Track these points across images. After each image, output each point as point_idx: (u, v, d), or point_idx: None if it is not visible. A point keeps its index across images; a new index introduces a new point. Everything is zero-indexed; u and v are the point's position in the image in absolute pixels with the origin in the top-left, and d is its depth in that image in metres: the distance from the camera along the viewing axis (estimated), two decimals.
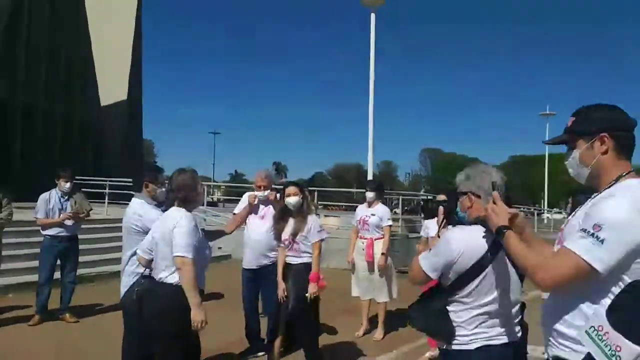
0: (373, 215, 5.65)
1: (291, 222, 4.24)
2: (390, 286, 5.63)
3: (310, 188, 12.93)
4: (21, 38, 20.43)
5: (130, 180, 12.84)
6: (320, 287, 4.12)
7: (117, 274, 8.37)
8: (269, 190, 4.77)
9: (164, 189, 3.78)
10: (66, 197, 6.12)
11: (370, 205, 5.76)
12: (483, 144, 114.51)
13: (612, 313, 1.33)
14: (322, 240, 4.26)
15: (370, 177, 10.94)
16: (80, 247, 8.98)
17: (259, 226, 4.80)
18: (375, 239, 5.58)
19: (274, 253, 4.61)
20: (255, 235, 4.80)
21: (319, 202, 14.35)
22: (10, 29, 19.73)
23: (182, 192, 3.26)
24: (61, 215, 5.95)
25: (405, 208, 20.60)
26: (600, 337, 1.25)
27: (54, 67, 22.18)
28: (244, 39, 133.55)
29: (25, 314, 6.15)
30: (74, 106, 23.36)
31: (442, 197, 5.31)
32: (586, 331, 1.34)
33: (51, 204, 5.99)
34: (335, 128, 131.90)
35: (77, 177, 14.04)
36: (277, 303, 4.27)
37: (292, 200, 4.22)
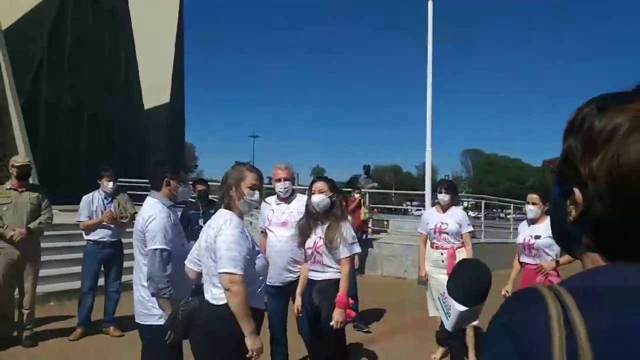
0: (450, 222, 4.81)
1: (317, 228, 3.47)
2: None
3: (366, 189, 12.23)
4: (66, 41, 20.56)
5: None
6: (348, 316, 3.32)
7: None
8: (288, 183, 4.00)
9: (186, 188, 3.34)
10: (109, 199, 5.63)
11: (444, 209, 4.91)
12: (527, 145, 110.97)
13: (448, 282, 1.52)
14: (353, 255, 3.46)
15: (428, 179, 10.04)
16: (125, 251, 8.64)
17: (281, 234, 3.93)
18: (457, 249, 4.73)
19: (299, 268, 3.84)
20: (276, 245, 3.93)
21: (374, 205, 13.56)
22: (54, 32, 19.86)
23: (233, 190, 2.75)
24: (102, 215, 5.43)
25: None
26: (443, 302, 1.49)
27: (98, 69, 22.28)
28: (286, 36, 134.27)
29: (67, 326, 5.68)
30: (118, 108, 23.43)
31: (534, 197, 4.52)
32: (438, 298, 1.60)
33: (94, 205, 5.51)
34: (368, 130, 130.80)
35: (120, 179, 13.99)
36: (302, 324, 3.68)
37: (316, 199, 3.43)
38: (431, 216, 4.98)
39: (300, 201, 3.96)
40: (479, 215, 13.23)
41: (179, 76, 31.40)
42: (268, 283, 3.94)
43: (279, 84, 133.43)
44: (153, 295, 2.97)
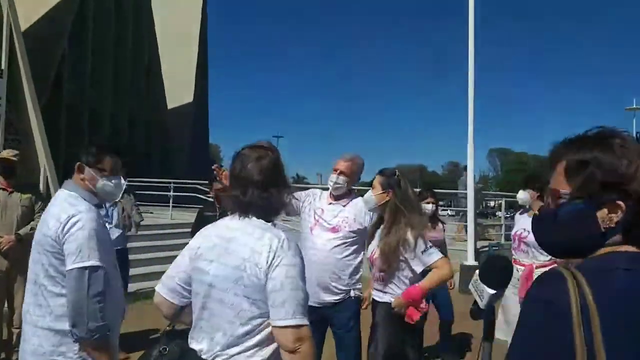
0: None
1: (376, 236, 2.74)
2: None
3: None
4: (87, 41, 20.24)
5: (196, 182, 11.81)
6: (409, 316, 2.56)
7: None
8: (343, 179, 3.09)
9: (111, 183, 2.30)
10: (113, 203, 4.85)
11: (532, 212, 3.95)
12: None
13: (480, 272, 1.86)
14: (444, 258, 2.68)
15: (470, 180, 9.07)
16: (138, 256, 8.00)
17: (324, 241, 3.05)
18: (538, 267, 3.77)
19: (344, 285, 2.99)
20: (317, 253, 3.04)
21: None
22: (76, 32, 19.55)
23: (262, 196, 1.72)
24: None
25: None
26: (476, 286, 1.87)
27: (120, 69, 21.95)
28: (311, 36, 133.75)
29: None
30: (141, 108, 23.07)
31: None
32: (472, 283, 1.92)
33: None
34: (392, 129, 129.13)
35: (142, 180, 13.42)
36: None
37: (370, 198, 2.73)
38: (519, 220, 4.12)
39: (358, 207, 3.13)
40: (505, 215, 12.17)
41: (203, 75, 30.97)
42: None
43: (304, 83, 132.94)
44: (78, 340, 2.02)
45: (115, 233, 4.57)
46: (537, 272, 3.77)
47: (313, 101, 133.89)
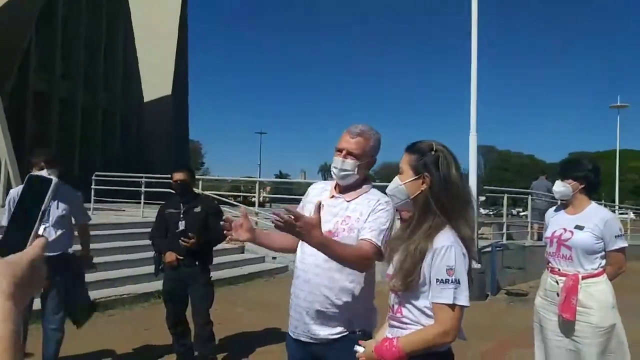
0: (581, 228, 2.99)
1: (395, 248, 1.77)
2: None
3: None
4: (57, 28, 19.04)
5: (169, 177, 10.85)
6: None
7: (144, 297, 6.59)
8: (352, 162, 2.11)
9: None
10: None
11: (573, 208, 3.11)
12: (542, 141, 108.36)
13: None
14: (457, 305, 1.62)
15: (473, 168, 8.29)
16: (104, 259, 7.08)
17: (316, 252, 1.97)
18: (585, 277, 2.94)
19: (346, 316, 2.06)
20: (306, 269, 2.15)
21: None
22: (45, 18, 18.35)
23: None
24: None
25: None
26: None
27: (93, 59, 20.77)
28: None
29: None
30: (115, 101, 21.91)
31: None
32: None
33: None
34: (379, 125, 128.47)
35: (113, 175, 12.40)
36: None
37: (397, 189, 1.78)
38: (554, 218, 3.23)
39: (374, 201, 2.14)
40: (498, 212, 11.45)
41: (183, 69, 29.83)
42: (290, 333, 2.24)
43: (286, 78, 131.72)
44: None
45: (51, 234, 3.63)
46: (585, 284, 2.97)
47: (297, 97, 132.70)
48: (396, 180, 1.78)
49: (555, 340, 3.04)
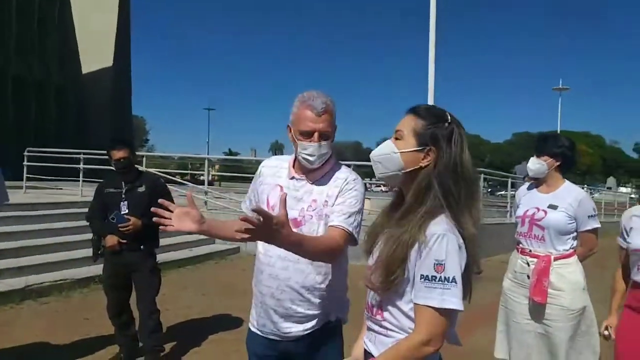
0: (554, 207, 2.86)
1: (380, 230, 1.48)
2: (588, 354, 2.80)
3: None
4: None
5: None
6: None
7: (83, 283, 6.06)
8: (326, 144, 1.84)
9: None
10: None
11: (546, 186, 2.98)
12: (487, 122, 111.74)
13: None
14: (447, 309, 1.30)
15: None
16: (34, 242, 6.60)
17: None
18: (557, 259, 2.84)
19: (317, 308, 1.83)
20: (271, 262, 1.88)
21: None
22: None
23: None
24: None
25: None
26: None
27: (25, 26, 19.23)
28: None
29: None
30: (51, 71, 20.48)
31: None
32: None
33: None
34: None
35: (52, 151, 11.49)
36: None
37: (391, 157, 1.42)
38: (526, 197, 3.07)
39: (341, 180, 1.87)
40: None
41: (124, 41, 28.36)
42: (254, 330, 1.96)
43: (236, 53, 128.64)
44: None
45: None
46: (557, 266, 2.87)
47: (247, 73, 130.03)
48: (390, 145, 1.43)
49: (524, 324, 2.93)
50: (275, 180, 1.94)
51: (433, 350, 1.29)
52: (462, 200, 1.35)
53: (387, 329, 1.40)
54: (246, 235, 1.38)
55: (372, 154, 1.46)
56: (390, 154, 1.42)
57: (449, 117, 1.40)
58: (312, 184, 1.88)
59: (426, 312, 1.29)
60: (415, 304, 1.31)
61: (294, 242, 1.50)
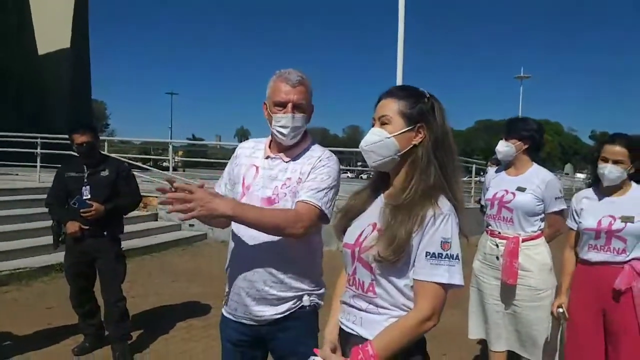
0: (522, 190, 2.90)
1: (376, 203, 1.47)
2: (556, 332, 2.85)
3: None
4: None
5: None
6: None
7: (43, 271, 5.88)
8: (301, 117, 1.82)
9: None
10: None
11: (515, 169, 3.03)
12: (451, 110, 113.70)
13: None
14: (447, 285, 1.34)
15: None
16: None
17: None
18: (525, 240, 2.90)
19: (291, 291, 1.80)
20: (245, 241, 1.82)
21: None
22: None
23: None
24: None
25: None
26: None
27: None
28: None
29: None
30: (2, 51, 19.53)
31: None
32: None
33: None
34: None
35: (7, 135, 11.00)
36: None
37: (385, 142, 1.41)
38: (495, 179, 3.11)
39: (315, 157, 1.85)
40: None
41: (82, 22, 27.25)
42: (227, 315, 1.92)
43: (200, 38, 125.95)
44: None
45: None
46: (525, 247, 2.92)
47: (211, 57, 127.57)
48: (379, 132, 1.42)
49: (494, 305, 2.99)
50: (252, 161, 1.92)
51: (433, 325, 1.33)
52: (450, 170, 1.40)
53: (378, 306, 1.40)
54: (179, 212, 1.48)
55: (363, 145, 1.45)
56: (382, 140, 1.42)
57: (427, 93, 1.44)
58: (287, 162, 1.86)
59: (431, 288, 1.32)
60: (416, 280, 1.34)
61: (248, 214, 1.60)
